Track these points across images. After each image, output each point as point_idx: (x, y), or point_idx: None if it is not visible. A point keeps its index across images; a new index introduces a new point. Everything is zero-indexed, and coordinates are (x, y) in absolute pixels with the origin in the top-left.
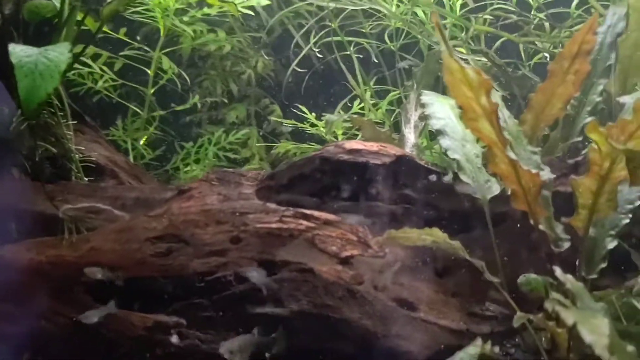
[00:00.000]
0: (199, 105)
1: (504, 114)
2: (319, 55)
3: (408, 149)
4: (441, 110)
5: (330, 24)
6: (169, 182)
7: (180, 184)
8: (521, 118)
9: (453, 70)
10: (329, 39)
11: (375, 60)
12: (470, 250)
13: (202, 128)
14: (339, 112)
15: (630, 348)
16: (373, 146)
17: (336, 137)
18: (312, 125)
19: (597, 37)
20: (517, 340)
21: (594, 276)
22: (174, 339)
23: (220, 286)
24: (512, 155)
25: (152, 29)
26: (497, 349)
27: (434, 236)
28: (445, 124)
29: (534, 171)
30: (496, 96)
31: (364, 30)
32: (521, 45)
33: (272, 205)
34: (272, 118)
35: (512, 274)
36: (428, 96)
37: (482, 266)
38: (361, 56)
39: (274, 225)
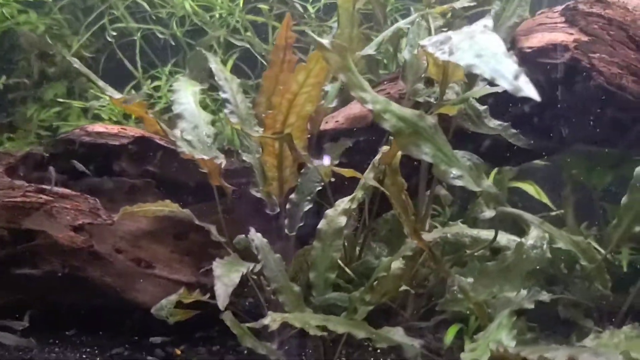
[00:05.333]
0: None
1: (237, 98)
2: (109, 38)
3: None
4: (184, 97)
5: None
6: None
7: None
8: (255, 101)
9: None
10: (121, 24)
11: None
12: (204, 216)
13: (26, 106)
14: (131, 92)
15: (296, 289)
16: (114, 129)
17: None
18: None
19: None
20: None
21: (294, 233)
22: None
23: None
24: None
25: None
26: (196, 294)
27: (169, 207)
28: (184, 108)
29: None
30: None
31: (161, 16)
32: None
33: (19, 182)
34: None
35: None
36: (178, 83)
37: (210, 229)
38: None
39: (18, 199)
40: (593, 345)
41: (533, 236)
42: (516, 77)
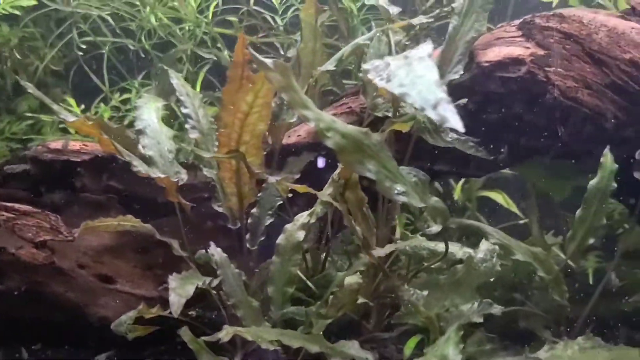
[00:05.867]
0: None
1: (199, 113)
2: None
3: None
4: (146, 113)
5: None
6: None
7: None
8: (217, 115)
9: None
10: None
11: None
12: (167, 231)
13: None
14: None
15: (255, 303)
16: (75, 145)
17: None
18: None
19: None
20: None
21: (256, 247)
22: None
23: None
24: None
25: None
26: (157, 309)
27: (130, 222)
28: (146, 124)
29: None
30: None
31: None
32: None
33: None
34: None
35: (199, 249)
36: (141, 100)
37: (172, 244)
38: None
39: None
40: (547, 356)
41: (483, 249)
42: (443, 109)
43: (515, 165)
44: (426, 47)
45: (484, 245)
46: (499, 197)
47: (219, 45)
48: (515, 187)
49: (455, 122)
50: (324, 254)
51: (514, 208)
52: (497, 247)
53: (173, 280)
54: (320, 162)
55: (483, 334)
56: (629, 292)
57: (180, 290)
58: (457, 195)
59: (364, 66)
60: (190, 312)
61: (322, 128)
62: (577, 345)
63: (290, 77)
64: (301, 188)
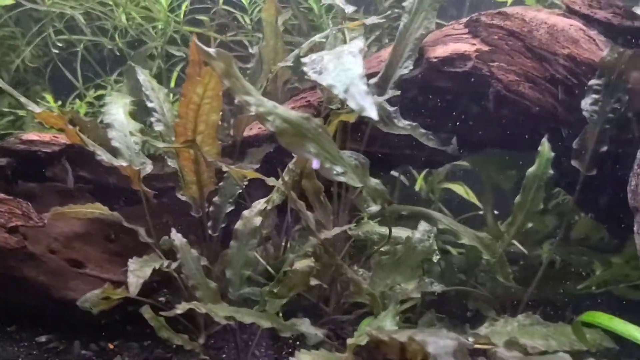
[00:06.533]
0: None
1: (164, 107)
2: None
3: None
4: (113, 109)
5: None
6: None
7: None
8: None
9: None
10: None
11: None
12: (135, 219)
13: None
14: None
15: (213, 285)
16: (46, 137)
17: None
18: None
19: None
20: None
21: (217, 233)
22: None
23: None
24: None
25: None
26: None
27: (98, 209)
28: (114, 119)
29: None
30: None
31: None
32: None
33: None
34: None
35: (165, 235)
36: (110, 97)
37: (139, 230)
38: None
39: None
40: (486, 332)
41: (420, 230)
42: (362, 99)
43: (466, 157)
44: (357, 43)
45: (421, 226)
46: (460, 189)
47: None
48: (479, 178)
49: (371, 112)
50: (285, 240)
51: (474, 199)
52: (434, 228)
53: (132, 263)
54: None
55: (434, 315)
56: (575, 276)
57: (138, 272)
58: (418, 186)
59: (303, 60)
60: (160, 299)
61: (263, 112)
62: (516, 322)
63: (232, 65)
64: (252, 174)
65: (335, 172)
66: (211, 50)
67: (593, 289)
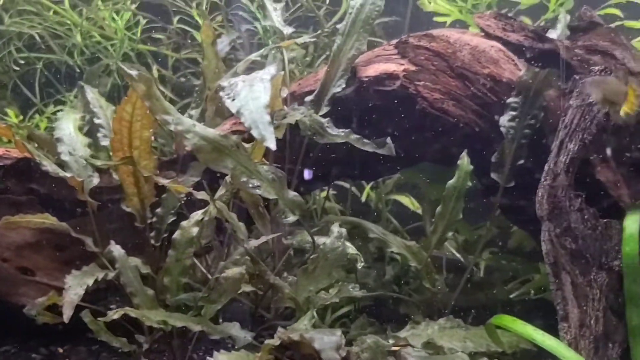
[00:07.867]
0: None
1: (111, 124)
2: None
3: None
4: (64, 124)
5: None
6: None
7: None
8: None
9: None
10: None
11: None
12: (85, 230)
13: None
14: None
15: (150, 292)
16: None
17: None
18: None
19: None
20: None
21: (159, 243)
22: None
23: None
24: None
25: None
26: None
27: (48, 220)
28: (64, 134)
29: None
30: None
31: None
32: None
33: None
34: None
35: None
36: (61, 112)
37: (86, 240)
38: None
39: None
40: (407, 334)
41: (332, 235)
42: (264, 129)
43: (400, 170)
44: (271, 69)
45: (332, 233)
46: (406, 200)
47: (148, 60)
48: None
49: (270, 142)
50: (227, 249)
51: (419, 210)
52: (344, 230)
53: (70, 279)
54: None
55: (366, 319)
56: (506, 283)
57: (72, 291)
58: (364, 197)
59: (220, 82)
60: (112, 306)
61: (181, 130)
62: (437, 325)
63: (152, 87)
64: (182, 188)
65: (251, 185)
66: (133, 73)
67: (531, 295)
